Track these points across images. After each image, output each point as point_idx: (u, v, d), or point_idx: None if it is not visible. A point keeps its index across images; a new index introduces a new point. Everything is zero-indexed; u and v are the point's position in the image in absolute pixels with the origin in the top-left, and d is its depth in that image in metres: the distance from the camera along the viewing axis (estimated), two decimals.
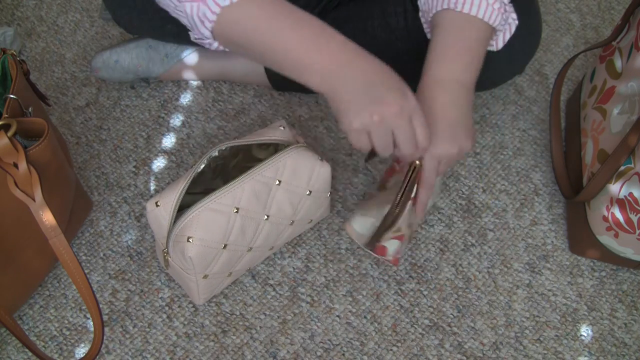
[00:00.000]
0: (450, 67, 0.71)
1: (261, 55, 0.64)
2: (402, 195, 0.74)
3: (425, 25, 0.81)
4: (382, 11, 0.88)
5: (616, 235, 0.81)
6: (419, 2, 0.79)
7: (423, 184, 0.73)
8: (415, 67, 0.89)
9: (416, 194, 0.74)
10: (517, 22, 0.76)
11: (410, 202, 0.75)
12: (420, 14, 0.80)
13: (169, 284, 0.85)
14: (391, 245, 0.77)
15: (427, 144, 0.66)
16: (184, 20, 0.65)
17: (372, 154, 0.69)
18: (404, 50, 0.87)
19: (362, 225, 0.78)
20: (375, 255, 0.79)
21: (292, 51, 0.62)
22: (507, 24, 0.76)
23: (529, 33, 0.85)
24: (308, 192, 0.79)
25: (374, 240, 0.76)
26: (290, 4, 0.63)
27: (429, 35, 0.81)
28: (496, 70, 0.88)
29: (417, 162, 0.72)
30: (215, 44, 0.67)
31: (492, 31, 0.74)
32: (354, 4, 0.91)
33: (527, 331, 0.83)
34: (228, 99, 1.01)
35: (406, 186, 0.73)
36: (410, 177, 0.72)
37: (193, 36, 0.69)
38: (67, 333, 0.81)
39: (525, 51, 0.88)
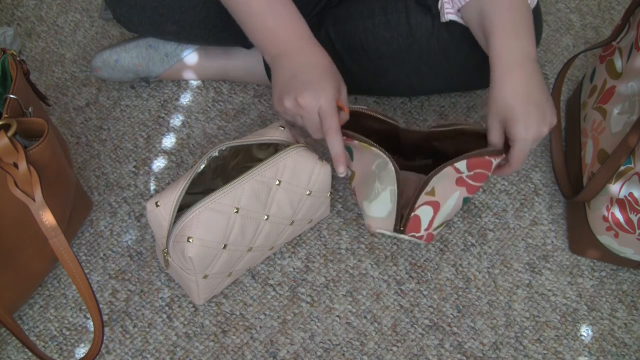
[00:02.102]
0: (522, 44, 0.72)
1: (238, 20, 0.77)
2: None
3: (448, 6, 0.80)
4: (382, 8, 0.87)
5: (616, 235, 0.81)
6: None
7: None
8: (416, 64, 0.89)
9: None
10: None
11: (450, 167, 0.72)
12: None
13: (169, 284, 0.85)
14: (424, 213, 0.75)
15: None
16: None
17: None
18: (406, 47, 0.87)
19: (377, 208, 0.77)
20: (407, 237, 0.79)
21: (259, 31, 0.75)
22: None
23: None
24: (308, 192, 0.79)
25: (400, 216, 0.76)
26: None
27: (447, 17, 0.80)
28: None
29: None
30: None
31: None
32: (355, 1, 0.90)
33: (527, 331, 0.83)
34: (228, 99, 1.01)
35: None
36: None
37: None
38: (67, 333, 0.81)
39: None
